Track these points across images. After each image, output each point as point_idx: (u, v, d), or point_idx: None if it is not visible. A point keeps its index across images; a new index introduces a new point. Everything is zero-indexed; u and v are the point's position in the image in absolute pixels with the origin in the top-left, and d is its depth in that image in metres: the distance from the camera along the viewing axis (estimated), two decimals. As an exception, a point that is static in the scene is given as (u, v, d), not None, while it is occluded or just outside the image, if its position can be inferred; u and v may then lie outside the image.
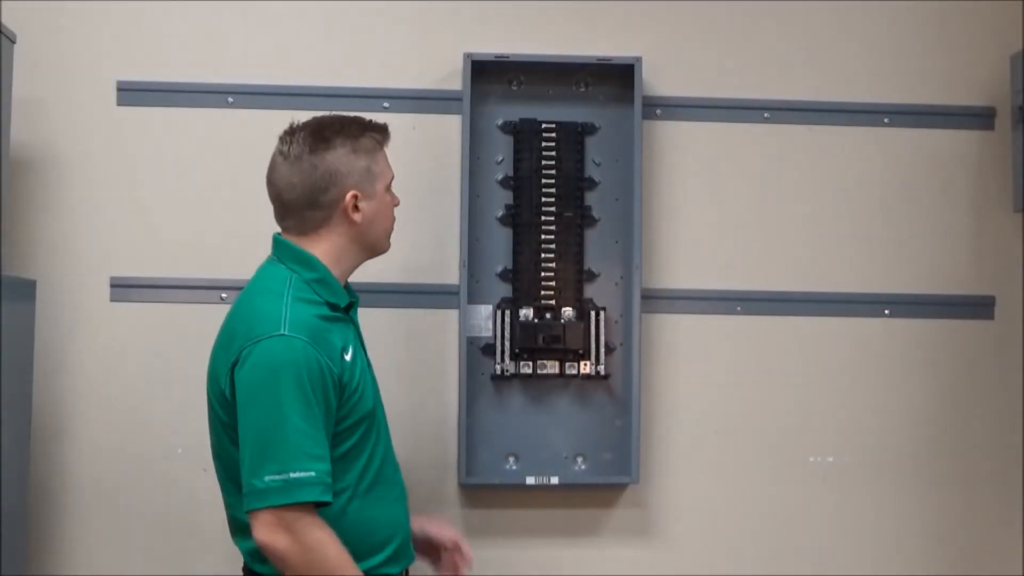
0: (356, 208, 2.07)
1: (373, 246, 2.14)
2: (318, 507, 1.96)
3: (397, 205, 2.18)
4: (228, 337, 2.04)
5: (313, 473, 1.92)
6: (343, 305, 2.10)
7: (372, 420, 2.10)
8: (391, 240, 2.18)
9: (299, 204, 2.07)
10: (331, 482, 1.96)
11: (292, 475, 1.91)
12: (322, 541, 1.93)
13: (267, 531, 1.92)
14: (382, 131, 2.14)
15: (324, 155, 2.06)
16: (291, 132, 2.10)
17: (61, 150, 2.62)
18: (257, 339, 1.96)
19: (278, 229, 2.14)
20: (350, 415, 2.04)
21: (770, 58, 2.76)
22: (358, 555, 2.02)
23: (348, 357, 2.05)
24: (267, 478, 1.91)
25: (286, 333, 1.96)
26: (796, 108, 2.75)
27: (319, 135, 2.08)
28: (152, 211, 2.62)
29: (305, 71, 2.66)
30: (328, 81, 2.66)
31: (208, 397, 2.09)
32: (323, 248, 2.08)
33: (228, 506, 2.11)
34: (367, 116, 2.17)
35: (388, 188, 2.14)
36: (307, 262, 2.07)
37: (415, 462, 2.55)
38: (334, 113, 2.17)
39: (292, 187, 2.07)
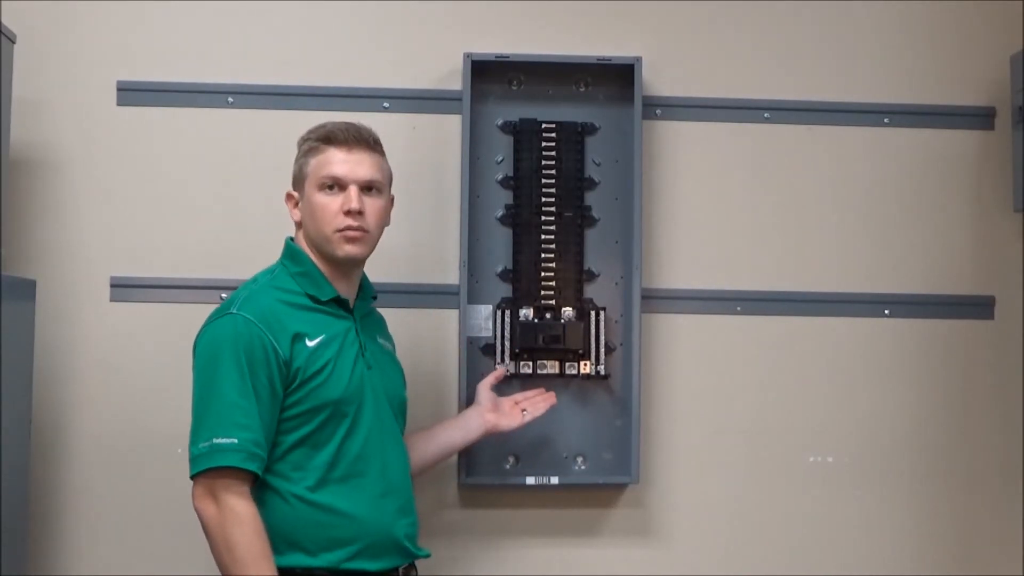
0: (296, 207, 2.22)
1: (318, 248, 2.19)
2: (255, 481, 2.04)
3: (351, 211, 2.14)
4: None
5: (236, 440, 2.01)
6: (324, 299, 2.16)
7: (342, 410, 2.12)
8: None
9: None
10: (258, 452, 2.03)
11: (216, 441, 2.02)
12: (236, 512, 2.00)
13: (198, 499, 2.03)
14: (323, 137, 2.19)
15: None
16: None
17: (61, 150, 2.62)
18: (211, 320, 2.12)
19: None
20: (306, 400, 2.09)
21: (770, 58, 2.76)
22: (318, 546, 2.08)
23: (311, 343, 2.11)
24: (200, 445, 2.03)
25: (233, 312, 2.08)
26: (796, 108, 2.75)
27: None
28: (152, 211, 2.62)
29: (305, 71, 2.66)
30: (328, 81, 2.66)
31: None
32: (304, 245, 2.21)
33: None
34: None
35: (323, 189, 2.16)
36: (295, 256, 2.20)
37: (415, 462, 2.56)
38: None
39: None
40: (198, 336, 2.13)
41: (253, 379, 2.04)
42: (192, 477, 2.05)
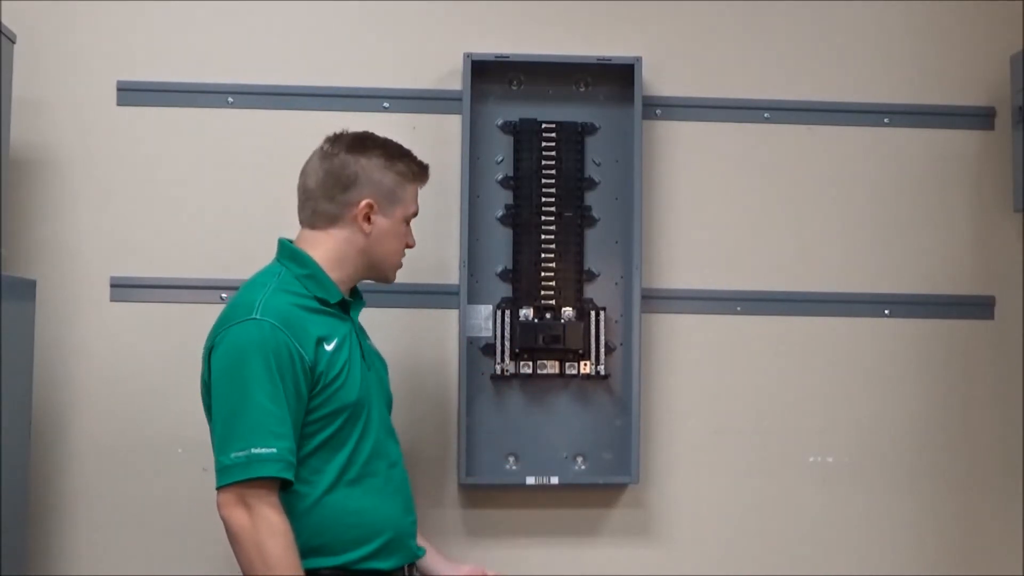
0: (368, 219, 2.16)
1: (375, 266, 2.21)
2: (283, 488, 2.01)
3: (411, 247, 2.26)
4: (213, 328, 2.12)
5: (275, 450, 1.99)
6: (333, 301, 2.16)
7: (357, 412, 2.12)
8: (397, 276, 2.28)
9: (317, 194, 2.17)
10: (294, 461, 2.02)
11: (254, 451, 1.98)
12: (271, 523, 1.98)
13: (228, 507, 1.99)
14: (421, 168, 2.25)
15: (359, 157, 2.17)
16: (338, 134, 2.22)
17: (61, 150, 2.62)
18: (231, 324, 2.06)
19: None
20: (327, 404, 2.08)
21: (770, 58, 2.76)
22: (339, 547, 2.08)
23: (329, 347, 2.10)
24: (233, 455, 1.99)
25: (257, 317, 2.04)
26: (796, 108, 2.75)
27: (361, 140, 2.20)
28: (152, 211, 2.62)
29: (305, 71, 2.66)
30: (328, 81, 2.66)
31: (201, 390, 2.15)
32: (325, 247, 2.16)
33: None
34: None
35: (406, 221, 2.23)
36: (299, 259, 2.16)
37: (415, 462, 2.55)
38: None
39: (318, 175, 2.18)
40: (217, 341, 2.06)
41: (284, 385, 2.01)
42: (223, 487, 2.00)
